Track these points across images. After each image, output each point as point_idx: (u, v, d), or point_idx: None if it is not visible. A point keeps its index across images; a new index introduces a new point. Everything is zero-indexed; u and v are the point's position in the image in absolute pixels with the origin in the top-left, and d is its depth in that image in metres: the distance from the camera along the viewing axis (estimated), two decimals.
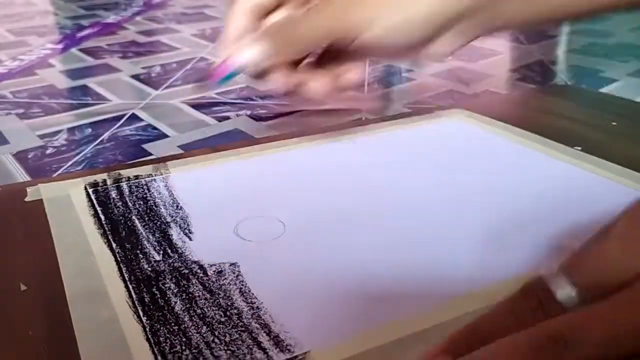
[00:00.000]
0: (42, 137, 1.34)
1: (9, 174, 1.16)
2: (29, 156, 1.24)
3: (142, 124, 1.41)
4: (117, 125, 1.40)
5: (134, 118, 1.45)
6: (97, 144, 1.29)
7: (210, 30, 2.41)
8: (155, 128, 1.39)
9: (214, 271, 0.34)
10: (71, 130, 1.39)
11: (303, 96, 0.40)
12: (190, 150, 1.37)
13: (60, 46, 2.21)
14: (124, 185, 0.43)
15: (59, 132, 1.37)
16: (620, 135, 0.55)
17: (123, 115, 1.46)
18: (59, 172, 1.16)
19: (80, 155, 1.24)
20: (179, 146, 1.29)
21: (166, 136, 1.34)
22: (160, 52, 2.09)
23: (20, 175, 1.16)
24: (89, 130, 1.38)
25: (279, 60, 0.37)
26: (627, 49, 1.84)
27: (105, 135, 1.34)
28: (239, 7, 0.38)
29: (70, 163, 1.21)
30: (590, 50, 1.87)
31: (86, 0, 3.09)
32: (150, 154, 1.26)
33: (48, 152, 1.26)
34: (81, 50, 2.12)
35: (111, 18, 2.67)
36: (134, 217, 0.39)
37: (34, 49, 2.12)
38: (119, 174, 0.45)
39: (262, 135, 1.43)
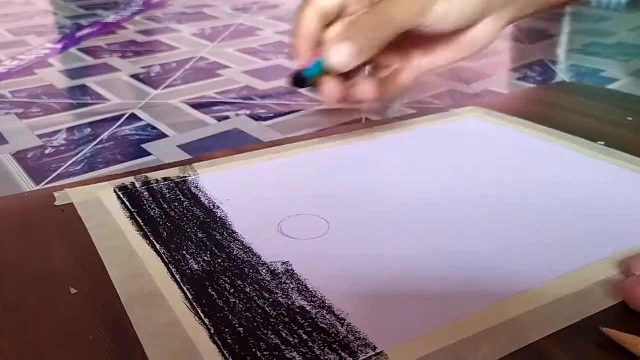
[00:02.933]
0: (41, 137, 1.34)
1: (9, 174, 1.16)
2: (29, 156, 1.23)
3: (142, 123, 1.41)
4: (116, 125, 1.40)
5: (134, 118, 1.45)
6: (97, 144, 1.29)
7: (209, 29, 2.41)
8: (154, 128, 1.39)
9: (267, 270, 0.33)
10: (70, 130, 1.38)
11: (351, 102, 0.42)
12: (190, 149, 1.38)
13: (59, 46, 2.20)
14: (155, 187, 0.43)
15: (58, 132, 1.37)
16: (638, 130, 0.55)
17: (122, 115, 1.46)
18: (59, 172, 1.16)
19: (80, 155, 1.23)
20: (178, 146, 1.29)
21: (165, 136, 1.34)
22: (160, 51, 2.09)
23: (20, 175, 1.15)
24: (89, 130, 1.38)
25: (364, 58, 0.39)
26: (627, 49, 1.84)
27: (105, 135, 1.34)
28: (308, 12, 0.40)
29: (69, 163, 1.21)
30: (590, 49, 1.87)
31: (85, 0, 3.09)
32: (150, 154, 1.25)
33: (47, 152, 1.26)
34: (80, 50, 2.12)
35: (111, 18, 2.67)
36: (172, 218, 0.39)
37: (34, 49, 2.12)
38: (146, 177, 0.45)
39: (262, 135, 1.43)
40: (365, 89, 0.41)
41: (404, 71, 0.42)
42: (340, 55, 0.38)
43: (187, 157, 0.98)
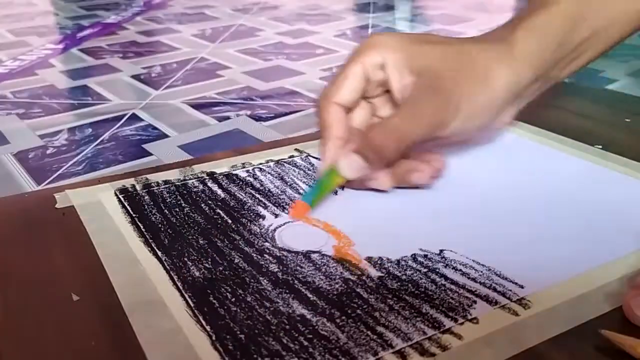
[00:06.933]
0: (42, 137, 1.34)
1: (10, 174, 1.16)
2: (30, 156, 1.24)
3: (143, 124, 1.42)
4: (117, 125, 1.41)
5: (134, 118, 1.45)
6: (98, 144, 1.29)
7: (210, 30, 2.41)
8: (155, 128, 1.39)
9: (268, 280, 0.33)
10: (71, 130, 1.39)
11: (368, 186, 0.41)
12: (190, 149, 1.38)
13: (60, 46, 2.21)
14: (155, 190, 0.43)
15: (59, 132, 1.37)
16: (636, 132, 0.54)
17: (123, 115, 1.47)
18: (60, 172, 1.16)
19: (81, 155, 1.24)
20: (179, 146, 1.29)
21: (166, 136, 1.34)
22: (161, 52, 2.09)
23: (21, 175, 1.16)
24: (90, 130, 1.38)
25: (376, 170, 0.39)
26: (626, 49, 1.84)
27: (106, 135, 1.34)
28: (331, 110, 0.40)
29: (70, 163, 1.21)
30: None
31: (86, 1, 3.10)
32: (151, 154, 1.26)
33: (48, 152, 1.26)
34: (81, 50, 2.13)
35: (111, 18, 2.67)
36: (173, 224, 0.38)
37: (35, 49, 2.12)
38: (147, 179, 0.45)
39: (262, 135, 1.44)
40: (383, 177, 0.41)
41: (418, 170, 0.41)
42: (350, 168, 0.38)
43: (188, 157, 0.99)
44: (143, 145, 1.31)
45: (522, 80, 0.39)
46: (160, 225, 0.39)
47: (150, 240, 0.37)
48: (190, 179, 0.45)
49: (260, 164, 0.47)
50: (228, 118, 1.47)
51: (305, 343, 0.28)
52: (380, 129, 0.38)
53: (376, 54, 0.40)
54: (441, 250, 0.36)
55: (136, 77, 1.81)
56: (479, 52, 0.39)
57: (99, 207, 0.41)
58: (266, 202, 0.42)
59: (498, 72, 0.38)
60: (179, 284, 0.33)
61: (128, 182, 0.44)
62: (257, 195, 0.43)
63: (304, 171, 0.46)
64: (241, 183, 0.44)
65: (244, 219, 0.40)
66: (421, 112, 0.38)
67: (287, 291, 0.32)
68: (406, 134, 0.37)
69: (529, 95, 0.41)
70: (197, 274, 0.34)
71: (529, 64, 0.39)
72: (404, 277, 0.33)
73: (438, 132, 0.38)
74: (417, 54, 0.39)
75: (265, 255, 0.35)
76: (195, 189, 0.43)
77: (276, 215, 0.40)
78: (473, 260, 0.35)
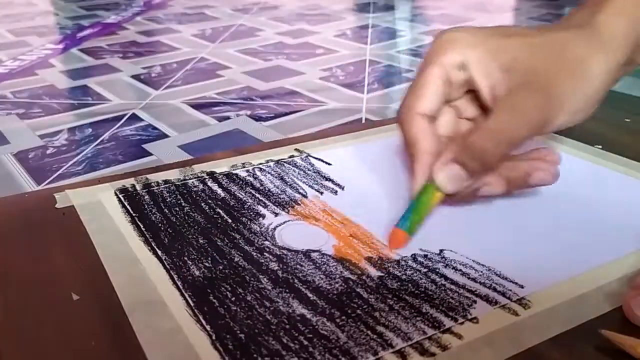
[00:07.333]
0: (42, 137, 1.34)
1: (10, 174, 1.16)
2: (30, 156, 1.24)
3: (143, 124, 1.42)
4: (117, 125, 1.40)
5: (134, 118, 1.45)
6: (98, 144, 1.29)
7: (210, 30, 2.41)
8: (155, 128, 1.39)
9: (268, 279, 0.33)
10: (72, 130, 1.39)
11: (479, 195, 0.38)
12: (190, 149, 1.38)
13: (60, 46, 2.21)
14: (155, 190, 0.43)
15: (59, 132, 1.37)
16: (636, 132, 0.54)
17: (123, 115, 1.46)
18: (60, 172, 1.16)
19: (81, 155, 1.24)
20: (179, 146, 1.29)
21: (166, 136, 1.34)
22: (161, 52, 2.09)
23: (21, 175, 1.16)
24: (90, 130, 1.38)
25: (477, 178, 0.37)
26: None
27: (106, 135, 1.34)
28: (411, 117, 0.37)
29: (70, 163, 1.21)
30: None
31: (86, 1, 3.09)
32: (151, 154, 1.26)
33: (48, 152, 1.26)
34: (81, 50, 2.13)
35: (111, 18, 2.67)
36: (173, 223, 0.38)
37: (35, 49, 2.12)
38: (147, 179, 0.45)
39: (262, 135, 1.44)
40: (491, 183, 0.38)
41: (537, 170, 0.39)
42: (451, 181, 0.36)
43: (188, 157, 0.99)
44: (143, 145, 1.31)
45: (616, 67, 0.37)
46: (160, 225, 0.39)
47: (150, 240, 0.37)
48: (190, 178, 0.45)
49: (260, 163, 0.47)
50: (228, 118, 1.46)
51: (305, 342, 0.28)
52: (481, 133, 0.35)
53: (454, 52, 0.37)
54: (441, 250, 0.36)
55: (136, 77, 1.81)
56: (568, 42, 0.36)
57: (99, 207, 0.41)
58: (266, 202, 0.42)
59: (592, 61, 0.36)
60: (179, 283, 0.33)
61: (128, 182, 0.44)
62: (257, 195, 0.43)
63: (304, 171, 0.46)
64: (241, 182, 0.44)
65: (244, 218, 0.40)
66: (524, 110, 0.35)
67: (287, 290, 0.32)
68: (511, 135, 0.35)
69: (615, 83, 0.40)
70: (197, 273, 0.34)
71: (619, 48, 0.37)
72: (404, 277, 0.33)
73: (543, 130, 0.36)
74: (501, 48, 0.37)
75: (265, 253, 0.35)
76: (195, 189, 0.43)
77: (276, 214, 0.40)
78: (473, 260, 0.35)
